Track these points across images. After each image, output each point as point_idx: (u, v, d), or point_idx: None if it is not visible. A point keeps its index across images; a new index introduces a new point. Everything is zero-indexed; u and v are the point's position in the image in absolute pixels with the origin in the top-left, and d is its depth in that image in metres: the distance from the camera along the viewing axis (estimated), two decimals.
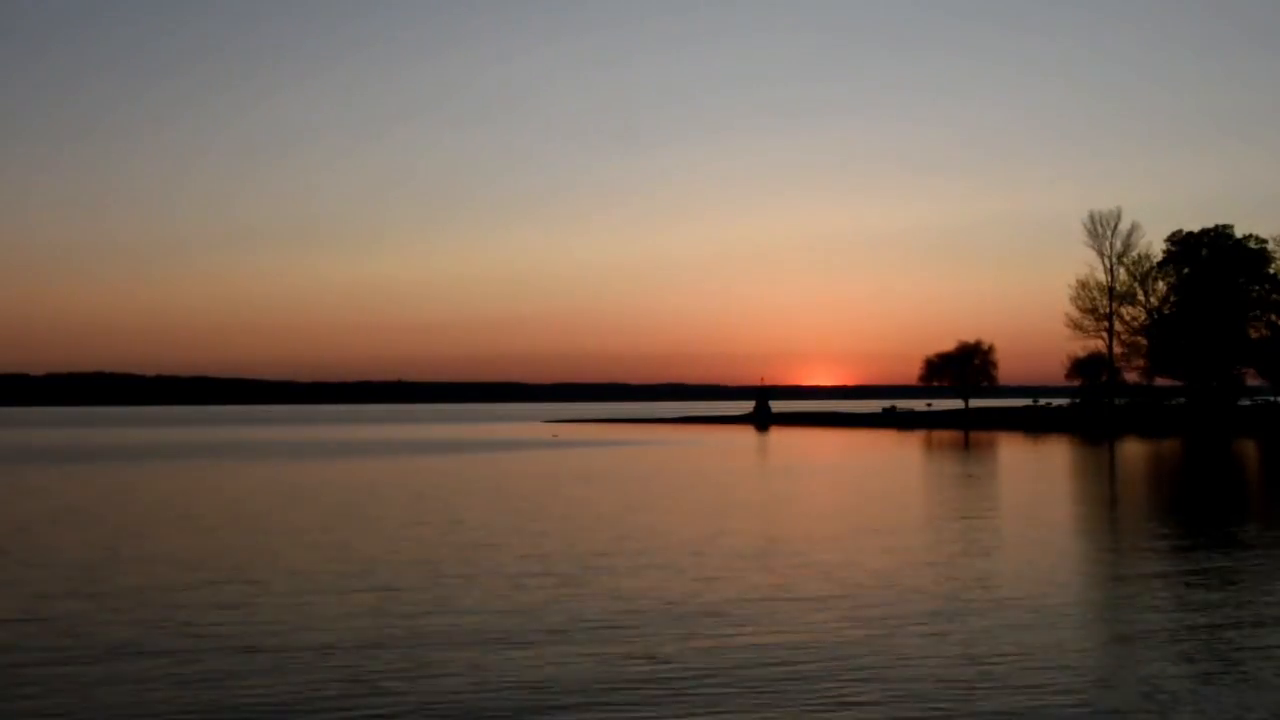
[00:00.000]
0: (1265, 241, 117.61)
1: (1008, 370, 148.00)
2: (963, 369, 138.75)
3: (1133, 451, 67.38)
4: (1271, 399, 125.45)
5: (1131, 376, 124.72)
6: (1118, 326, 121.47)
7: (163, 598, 18.27)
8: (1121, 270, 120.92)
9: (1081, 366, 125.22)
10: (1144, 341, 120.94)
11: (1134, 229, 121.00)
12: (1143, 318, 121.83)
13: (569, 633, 15.39)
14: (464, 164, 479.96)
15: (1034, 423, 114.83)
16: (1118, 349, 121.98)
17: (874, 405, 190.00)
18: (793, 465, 57.91)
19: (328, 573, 20.81)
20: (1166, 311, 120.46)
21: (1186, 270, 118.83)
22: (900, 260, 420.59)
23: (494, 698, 12.17)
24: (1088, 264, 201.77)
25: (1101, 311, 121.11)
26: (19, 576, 20.62)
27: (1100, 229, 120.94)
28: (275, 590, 18.96)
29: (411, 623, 16.10)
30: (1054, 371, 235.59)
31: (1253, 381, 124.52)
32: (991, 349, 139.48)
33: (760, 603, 17.67)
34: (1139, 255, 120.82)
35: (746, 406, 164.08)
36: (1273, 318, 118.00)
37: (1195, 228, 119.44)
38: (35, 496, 39.05)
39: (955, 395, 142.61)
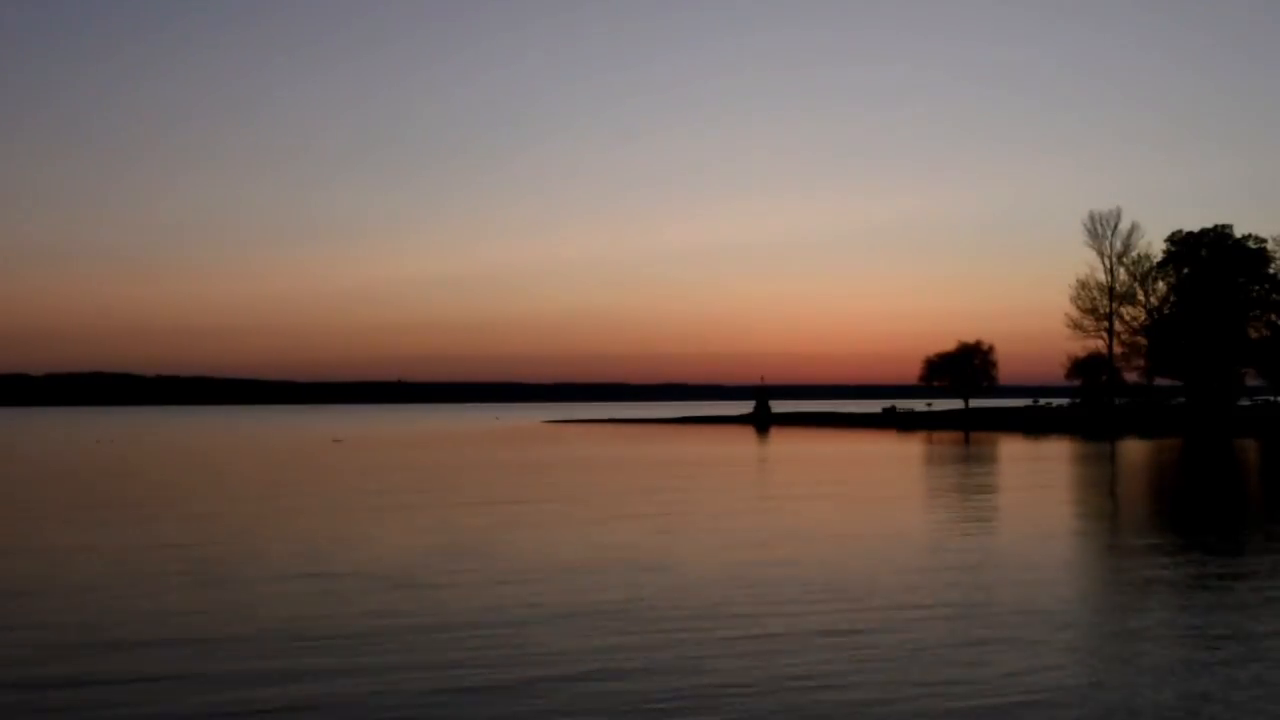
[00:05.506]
0: (1265, 241, 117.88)
1: (1008, 370, 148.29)
2: (963, 369, 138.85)
3: (1133, 451, 67.38)
4: (1271, 399, 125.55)
5: (1131, 376, 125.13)
6: (1118, 326, 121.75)
7: None
8: (1121, 270, 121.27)
9: (1081, 366, 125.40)
10: (1144, 341, 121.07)
11: (1134, 229, 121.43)
12: (1143, 318, 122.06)
13: None
14: (463, 164, 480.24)
15: (1034, 423, 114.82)
16: (1118, 349, 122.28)
17: (874, 405, 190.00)
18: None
19: None
20: (1166, 311, 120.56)
21: (1186, 270, 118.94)
22: (900, 260, 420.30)
23: None
24: (1088, 264, 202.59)
25: (1101, 311, 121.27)
26: None
27: (1100, 229, 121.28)
28: None
29: None
30: (1054, 371, 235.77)
31: (1253, 381, 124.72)
32: (991, 349, 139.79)
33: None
34: (1139, 255, 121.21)
35: (746, 406, 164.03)
36: (1273, 318, 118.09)
37: (1195, 228, 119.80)
38: None
39: (955, 395, 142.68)
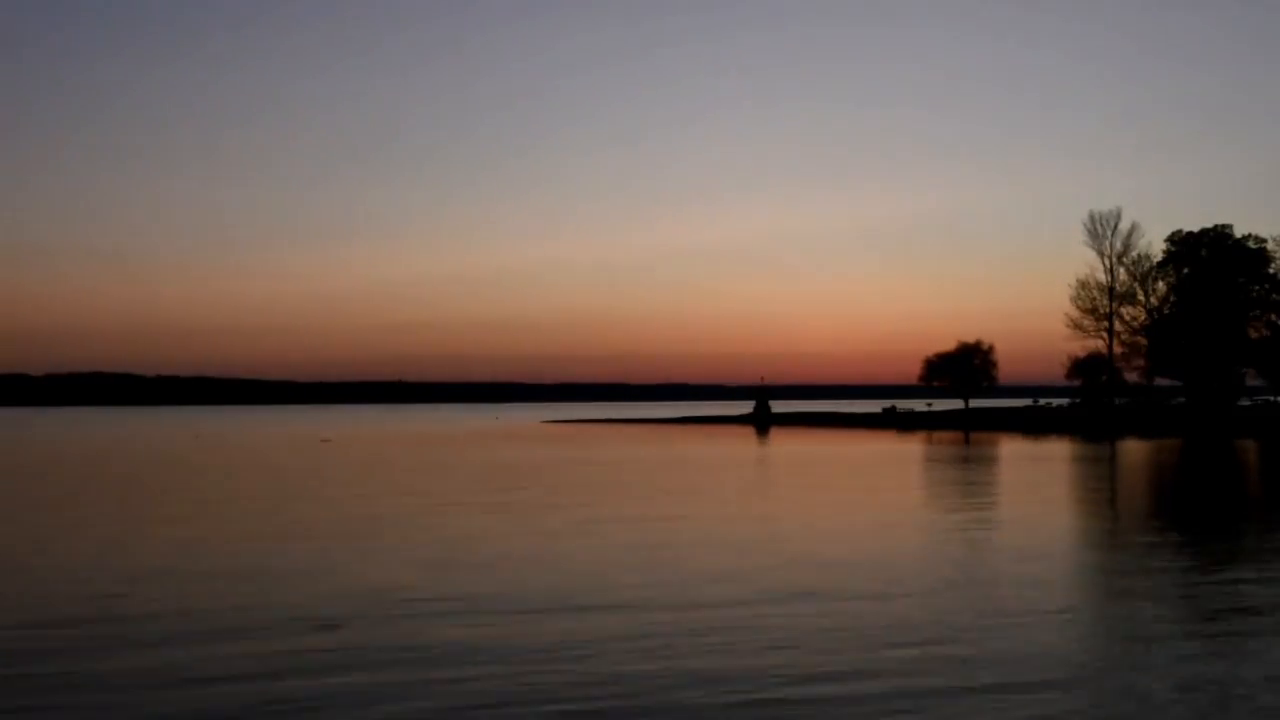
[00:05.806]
0: (1265, 241, 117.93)
1: (1008, 370, 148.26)
2: (963, 369, 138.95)
3: (1133, 452, 67.43)
4: (1271, 399, 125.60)
5: (1131, 376, 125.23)
6: (1118, 326, 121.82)
7: None
8: (1121, 270, 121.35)
9: (1081, 366, 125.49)
10: (1144, 341, 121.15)
11: (1134, 229, 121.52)
12: (1143, 318, 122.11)
13: None
14: (464, 164, 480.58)
15: (1034, 423, 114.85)
16: (1118, 349, 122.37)
17: (874, 405, 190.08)
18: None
19: None
20: (1166, 311, 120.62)
21: (1186, 270, 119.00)
22: (900, 260, 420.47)
23: None
24: (1088, 264, 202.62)
25: (1101, 311, 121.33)
26: None
27: (1100, 229, 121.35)
28: None
29: None
30: (1054, 371, 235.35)
31: (1253, 381, 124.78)
32: (991, 349, 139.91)
33: None
34: (1139, 255, 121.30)
35: (747, 406, 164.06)
36: (1273, 318, 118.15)
37: (1195, 228, 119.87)
38: None
39: (955, 395, 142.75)
